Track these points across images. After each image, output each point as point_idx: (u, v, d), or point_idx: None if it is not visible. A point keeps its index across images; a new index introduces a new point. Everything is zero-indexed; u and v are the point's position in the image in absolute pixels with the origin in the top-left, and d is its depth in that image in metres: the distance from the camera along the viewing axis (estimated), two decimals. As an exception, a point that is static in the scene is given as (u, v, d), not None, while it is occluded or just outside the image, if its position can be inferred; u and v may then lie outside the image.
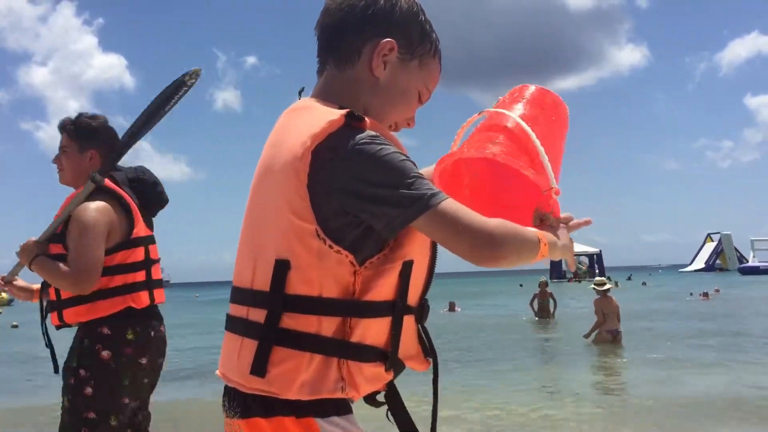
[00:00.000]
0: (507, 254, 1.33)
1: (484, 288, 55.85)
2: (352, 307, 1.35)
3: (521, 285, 52.06)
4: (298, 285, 1.33)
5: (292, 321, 1.33)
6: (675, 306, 25.07)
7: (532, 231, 1.43)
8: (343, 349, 1.35)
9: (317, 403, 1.34)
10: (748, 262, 77.85)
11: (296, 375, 1.32)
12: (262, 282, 1.37)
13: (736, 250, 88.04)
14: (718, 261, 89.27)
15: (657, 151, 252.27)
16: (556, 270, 67.76)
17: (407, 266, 1.41)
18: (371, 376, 1.42)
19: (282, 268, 1.32)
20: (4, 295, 59.18)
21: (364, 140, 1.33)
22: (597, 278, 15.12)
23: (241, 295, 1.44)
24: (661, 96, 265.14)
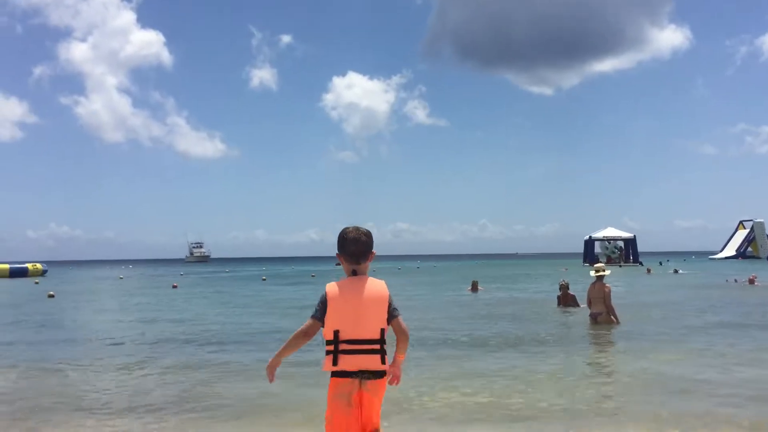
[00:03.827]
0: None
1: (515, 271, 55.59)
2: None
3: (566, 269, 51.88)
4: (383, 337, 3.78)
5: (384, 347, 3.75)
6: (713, 293, 24.63)
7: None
8: None
9: None
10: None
11: (386, 363, 3.76)
12: (375, 334, 3.73)
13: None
14: (749, 249, 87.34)
15: (695, 135, 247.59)
16: (589, 254, 67.48)
17: None
18: None
19: (383, 331, 3.76)
20: (38, 265, 60.44)
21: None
22: (597, 264, 15.30)
23: (365, 341, 3.72)
24: (700, 80, 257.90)
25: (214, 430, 6.12)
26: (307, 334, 3.80)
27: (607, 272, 14.39)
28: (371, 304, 3.76)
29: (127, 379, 8.77)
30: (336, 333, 3.70)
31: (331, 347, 3.71)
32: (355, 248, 3.83)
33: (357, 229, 3.90)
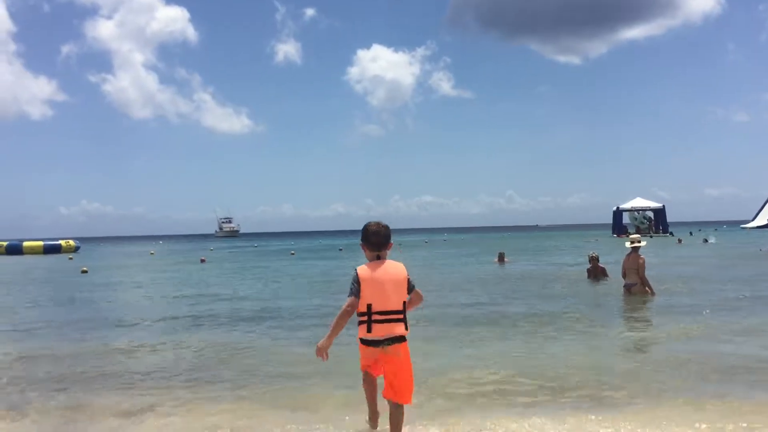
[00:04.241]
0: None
1: (543, 243, 55.25)
2: None
3: (597, 240, 51.34)
4: (405, 308, 4.67)
5: (405, 317, 4.65)
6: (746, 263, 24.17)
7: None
8: None
9: None
10: (815, 218, 73.78)
11: (407, 329, 4.63)
12: (399, 306, 4.59)
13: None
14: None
15: (726, 103, 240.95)
16: (617, 226, 66.70)
17: None
18: None
19: (404, 303, 4.63)
20: (71, 242, 61.50)
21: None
22: (633, 235, 15.07)
23: (392, 312, 4.56)
24: (732, 46, 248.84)
25: (245, 402, 6.18)
26: (350, 312, 4.57)
27: (643, 243, 14.24)
28: (395, 282, 4.61)
29: (160, 354, 8.90)
30: (369, 306, 4.53)
31: (365, 318, 4.55)
32: (376, 239, 4.71)
33: (378, 223, 4.79)
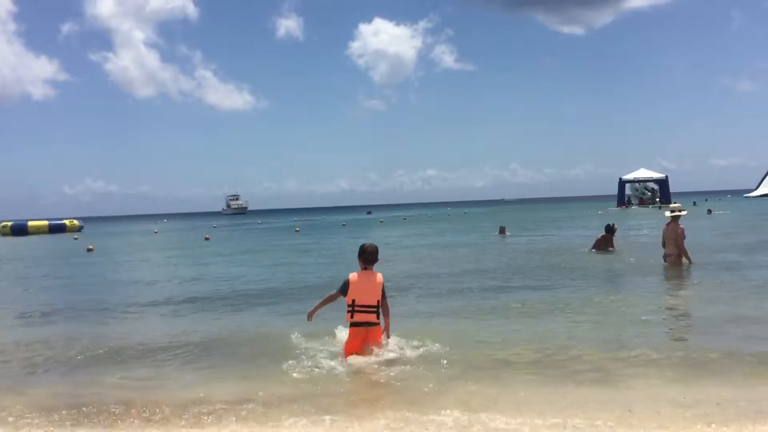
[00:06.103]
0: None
1: (548, 214, 55.14)
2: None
3: (600, 213, 51.08)
4: (378, 305, 6.79)
5: (379, 310, 6.78)
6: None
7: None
8: None
9: None
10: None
11: (380, 318, 6.79)
12: (374, 303, 6.69)
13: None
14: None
15: (731, 72, 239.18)
16: (621, 199, 66.36)
17: None
18: None
19: (378, 301, 6.73)
20: (75, 222, 61.35)
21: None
22: (672, 204, 14.58)
23: (370, 307, 6.67)
24: (737, 13, 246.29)
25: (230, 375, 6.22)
26: (331, 299, 6.85)
27: (684, 212, 13.91)
28: (373, 286, 6.67)
29: (159, 330, 8.94)
30: (353, 300, 6.61)
31: (350, 308, 6.63)
32: (370, 257, 6.78)
33: (371, 245, 6.88)
